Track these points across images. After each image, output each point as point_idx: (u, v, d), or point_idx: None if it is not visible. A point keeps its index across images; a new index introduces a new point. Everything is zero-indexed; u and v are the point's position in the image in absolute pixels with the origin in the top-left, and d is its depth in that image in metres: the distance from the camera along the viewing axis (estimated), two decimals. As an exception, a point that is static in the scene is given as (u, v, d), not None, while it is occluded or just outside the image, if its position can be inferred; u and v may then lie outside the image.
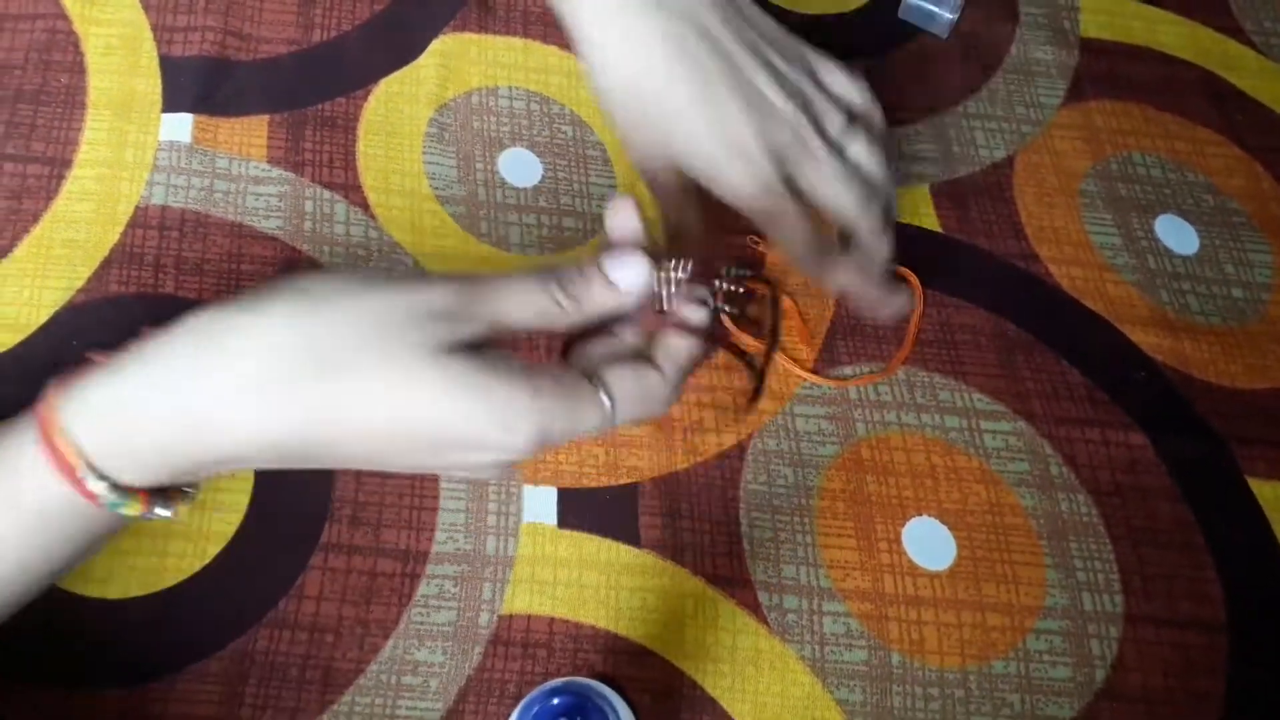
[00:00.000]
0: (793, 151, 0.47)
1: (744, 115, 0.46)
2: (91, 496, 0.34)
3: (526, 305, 0.38)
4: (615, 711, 0.40)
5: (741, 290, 0.42)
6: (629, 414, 0.39)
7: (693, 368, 0.42)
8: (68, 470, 0.33)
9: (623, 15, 0.46)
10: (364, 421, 0.35)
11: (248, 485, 0.52)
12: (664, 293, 0.40)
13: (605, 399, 0.38)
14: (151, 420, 0.34)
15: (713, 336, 0.44)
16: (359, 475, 0.53)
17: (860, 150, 0.50)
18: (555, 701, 0.40)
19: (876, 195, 0.50)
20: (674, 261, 0.40)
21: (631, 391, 0.39)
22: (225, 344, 0.34)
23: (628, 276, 0.39)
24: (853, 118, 0.50)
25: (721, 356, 0.59)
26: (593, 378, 0.39)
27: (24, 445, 0.34)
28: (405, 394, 0.35)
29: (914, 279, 0.63)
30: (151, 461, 0.34)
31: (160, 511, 0.36)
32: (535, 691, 0.41)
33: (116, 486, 0.34)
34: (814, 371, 0.59)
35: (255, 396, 0.34)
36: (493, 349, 0.38)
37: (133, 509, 0.35)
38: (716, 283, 0.42)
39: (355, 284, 0.36)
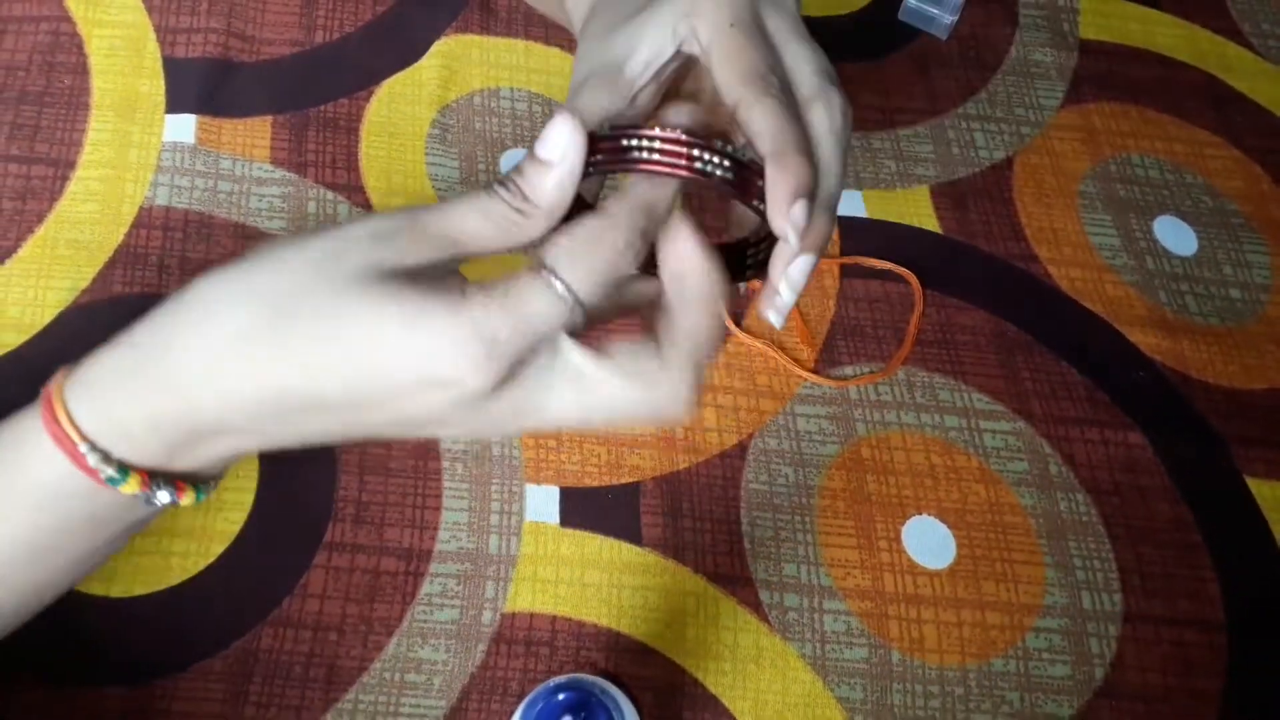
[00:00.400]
0: None
1: None
2: (91, 472, 0.34)
3: (480, 215, 0.34)
4: (619, 708, 0.40)
5: (738, 154, 0.35)
6: (583, 275, 0.34)
7: (656, 206, 0.35)
8: (67, 445, 0.34)
9: None
10: (321, 369, 0.34)
11: (251, 484, 0.52)
12: (640, 153, 0.34)
13: (554, 280, 0.33)
14: (137, 393, 0.34)
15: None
16: (362, 474, 0.53)
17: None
18: (560, 698, 0.40)
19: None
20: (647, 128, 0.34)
21: (569, 248, 0.34)
22: (194, 313, 0.34)
23: (549, 144, 0.34)
24: None
25: (722, 355, 0.59)
26: (532, 265, 0.34)
27: (31, 426, 0.35)
28: (347, 332, 0.33)
29: (914, 279, 0.63)
30: (143, 435, 0.35)
31: (161, 495, 0.36)
32: (539, 688, 0.42)
33: (111, 460, 0.35)
34: (814, 371, 0.59)
35: (223, 358, 0.34)
36: (448, 276, 0.35)
37: (131, 486, 0.35)
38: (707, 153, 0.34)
39: (306, 235, 0.35)
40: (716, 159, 0.34)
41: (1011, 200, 0.67)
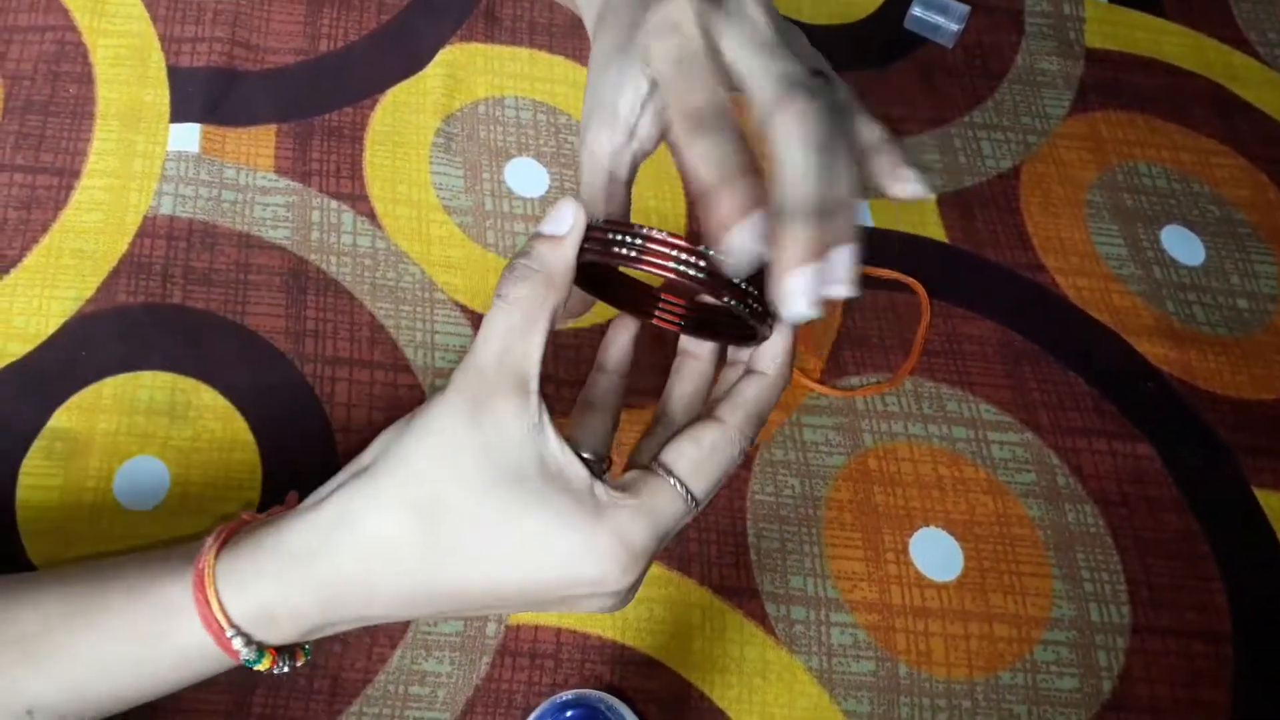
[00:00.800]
0: (719, 14, 0.39)
1: None
2: (233, 653, 0.38)
3: (508, 331, 0.37)
4: (626, 725, 0.40)
5: (713, 256, 0.37)
6: (703, 484, 0.38)
7: (764, 405, 0.39)
8: (215, 629, 0.37)
9: None
10: (471, 572, 0.37)
11: (254, 495, 0.52)
12: (624, 250, 0.37)
13: (672, 482, 0.37)
14: (286, 592, 0.37)
15: (740, 333, 0.40)
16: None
17: (803, 46, 0.41)
18: (569, 715, 0.40)
19: (817, 90, 0.38)
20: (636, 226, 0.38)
21: (694, 460, 0.38)
22: (340, 522, 0.37)
23: (553, 220, 0.38)
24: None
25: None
26: (652, 466, 0.38)
27: (181, 593, 0.38)
28: (494, 538, 0.36)
29: (920, 289, 0.63)
30: (286, 623, 0.38)
31: (284, 666, 0.39)
32: (546, 704, 0.41)
33: (253, 642, 0.38)
34: (820, 382, 0.59)
35: (372, 565, 0.37)
36: (572, 465, 0.37)
37: (264, 664, 0.38)
38: (691, 257, 0.37)
39: (416, 424, 0.37)
40: (692, 259, 0.36)
41: (1018, 209, 0.67)
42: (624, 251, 0.37)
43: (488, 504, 0.36)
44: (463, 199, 0.62)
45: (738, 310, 0.38)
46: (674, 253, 0.37)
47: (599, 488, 0.37)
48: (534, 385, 0.37)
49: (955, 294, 0.63)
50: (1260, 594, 0.57)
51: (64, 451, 0.51)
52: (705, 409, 0.40)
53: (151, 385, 0.53)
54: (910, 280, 0.63)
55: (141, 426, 0.52)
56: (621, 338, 0.43)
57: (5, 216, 0.57)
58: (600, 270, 0.40)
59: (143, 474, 0.51)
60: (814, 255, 0.34)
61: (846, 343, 0.61)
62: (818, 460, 0.57)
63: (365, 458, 0.39)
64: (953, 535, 0.56)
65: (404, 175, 0.62)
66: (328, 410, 0.54)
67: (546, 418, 0.37)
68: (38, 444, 0.51)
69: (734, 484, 0.56)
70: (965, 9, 0.73)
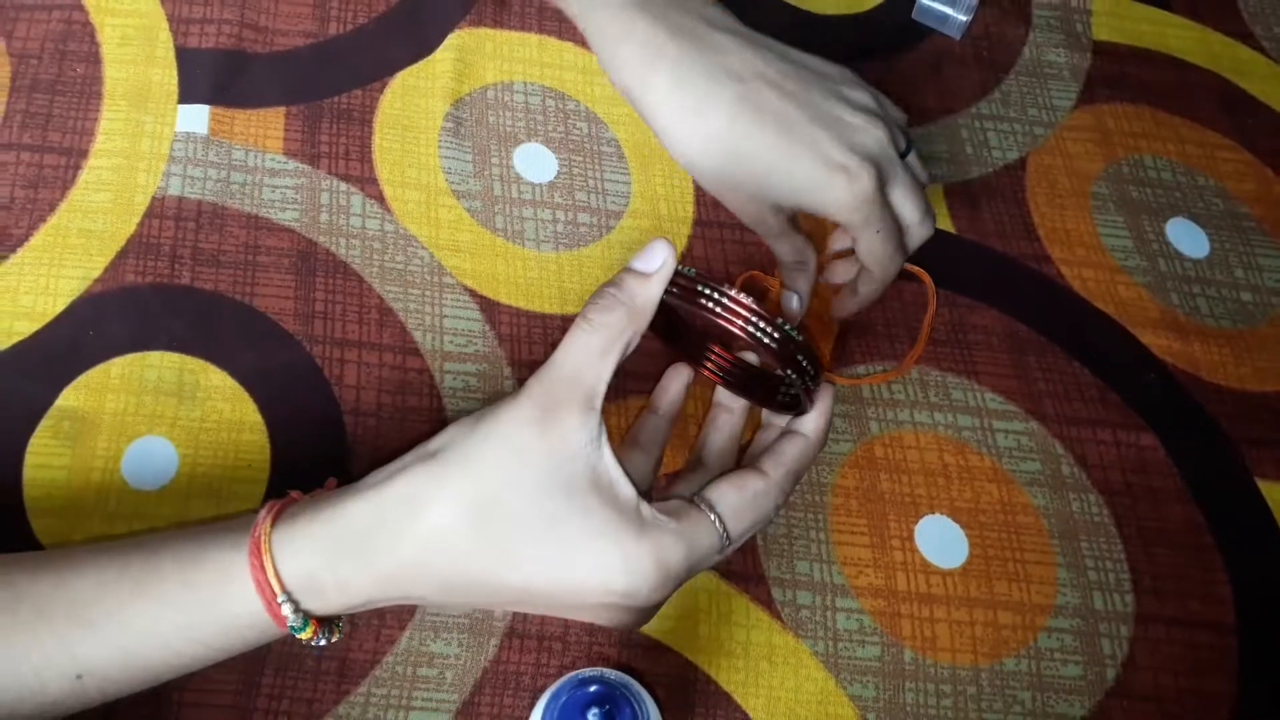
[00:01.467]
0: (884, 161, 0.50)
1: (833, 136, 0.49)
2: (280, 620, 0.39)
3: (588, 349, 0.39)
4: (642, 705, 0.40)
5: (787, 330, 0.41)
6: (740, 526, 0.41)
7: (804, 465, 0.44)
8: (267, 594, 0.39)
9: (687, 93, 0.49)
10: (515, 569, 0.39)
11: (264, 475, 0.52)
12: (708, 302, 0.40)
13: (712, 517, 0.40)
14: (338, 567, 0.39)
15: (786, 402, 0.44)
16: (373, 467, 0.53)
17: (914, 163, 0.53)
18: (590, 689, 0.40)
19: (929, 208, 0.53)
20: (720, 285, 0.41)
21: (736, 503, 0.41)
22: (400, 510, 0.39)
23: (645, 257, 0.41)
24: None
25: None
26: (695, 500, 0.41)
27: (235, 559, 0.39)
28: (540, 545, 0.38)
29: (927, 278, 0.63)
30: (334, 595, 0.40)
31: (322, 640, 0.41)
32: (563, 680, 0.42)
33: (300, 610, 0.39)
34: (828, 370, 0.59)
35: (426, 553, 0.39)
36: (622, 490, 0.39)
37: (307, 634, 0.40)
38: (768, 328, 0.41)
39: (478, 428, 0.39)
40: (768, 328, 0.40)
41: (1024, 200, 0.67)
42: (707, 304, 0.40)
43: (540, 507, 0.38)
44: (471, 183, 0.62)
45: (792, 383, 0.42)
46: (753, 318, 0.40)
47: (645, 507, 0.39)
48: (598, 404, 0.39)
49: (961, 284, 0.63)
50: (1264, 586, 0.57)
51: (72, 431, 0.51)
52: (746, 460, 0.44)
53: (160, 365, 0.53)
54: (917, 270, 0.63)
55: (150, 407, 0.52)
56: (675, 385, 0.47)
57: (12, 195, 0.56)
58: (668, 310, 0.42)
59: (151, 454, 0.51)
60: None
61: (853, 332, 0.61)
62: (825, 447, 0.57)
63: (432, 445, 0.41)
64: (958, 523, 0.56)
65: (413, 159, 0.62)
66: (336, 392, 0.54)
67: (604, 435, 0.39)
68: (45, 423, 0.51)
69: (741, 470, 0.56)
70: (973, 0, 0.73)
